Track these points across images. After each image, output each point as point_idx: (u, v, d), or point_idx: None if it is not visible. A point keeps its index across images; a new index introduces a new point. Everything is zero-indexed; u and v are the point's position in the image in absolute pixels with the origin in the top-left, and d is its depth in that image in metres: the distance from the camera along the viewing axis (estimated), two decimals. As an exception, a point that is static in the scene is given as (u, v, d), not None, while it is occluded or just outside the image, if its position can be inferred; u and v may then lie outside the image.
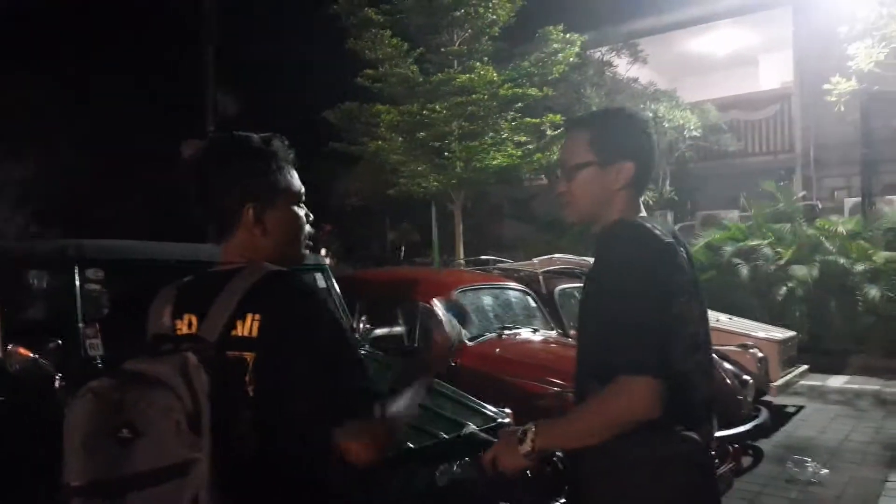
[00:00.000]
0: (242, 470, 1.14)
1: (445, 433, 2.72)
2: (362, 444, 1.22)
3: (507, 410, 3.20)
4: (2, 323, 2.82)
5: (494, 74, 9.56)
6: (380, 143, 10.28)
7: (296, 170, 1.41)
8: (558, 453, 1.58)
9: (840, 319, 9.49)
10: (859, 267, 9.35)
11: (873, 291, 9.12)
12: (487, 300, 5.06)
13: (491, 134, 10.00)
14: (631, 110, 1.70)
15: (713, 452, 1.56)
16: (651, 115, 11.65)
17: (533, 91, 9.89)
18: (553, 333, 5.11)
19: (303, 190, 1.41)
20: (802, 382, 7.59)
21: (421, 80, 10.06)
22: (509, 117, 10.15)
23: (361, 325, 3.91)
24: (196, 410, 1.11)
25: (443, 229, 13.01)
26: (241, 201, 1.32)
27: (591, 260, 1.67)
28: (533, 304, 5.31)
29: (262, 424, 1.18)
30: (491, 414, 3.11)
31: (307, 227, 1.43)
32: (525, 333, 4.82)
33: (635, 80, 13.24)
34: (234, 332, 1.22)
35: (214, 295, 1.25)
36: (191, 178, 1.34)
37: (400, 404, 1.32)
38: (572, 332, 5.58)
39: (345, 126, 10.98)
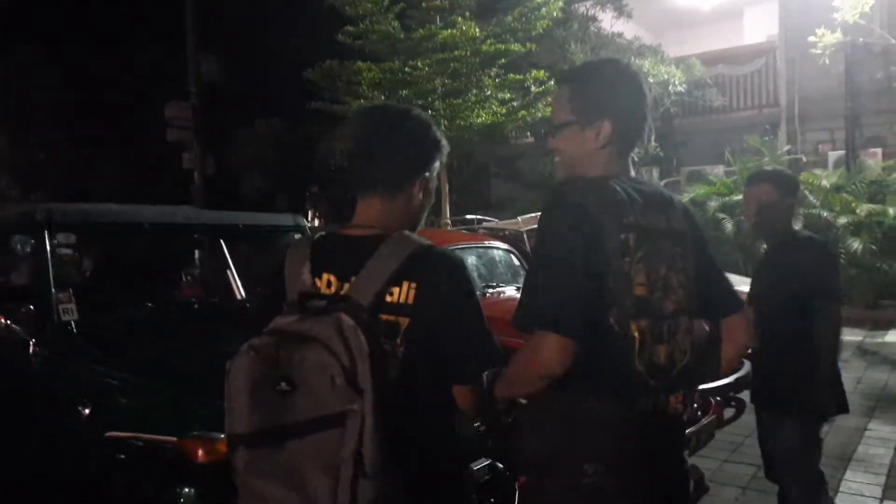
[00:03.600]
0: (390, 424, 1.21)
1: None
2: (472, 398, 1.37)
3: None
4: (-28, 289, 2.75)
5: (477, 30, 9.36)
6: (362, 101, 10.10)
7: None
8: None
9: (822, 272, 9.57)
10: (843, 220, 9.41)
11: (856, 244, 9.20)
12: (472, 259, 5.03)
13: (475, 91, 9.86)
14: (615, 64, 1.58)
15: (676, 417, 1.46)
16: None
17: (516, 47, 9.71)
18: (537, 291, 5.09)
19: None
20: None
21: (402, 36, 9.85)
22: (493, 74, 10.00)
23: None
24: (352, 367, 1.18)
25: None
26: (413, 173, 1.42)
27: None
28: (517, 262, 5.30)
29: (406, 384, 1.28)
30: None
31: None
32: (510, 292, 4.81)
33: (620, 35, 13.03)
34: (388, 298, 1.31)
35: (360, 258, 1.33)
36: (354, 141, 1.42)
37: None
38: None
39: (326, 85, 10.78)
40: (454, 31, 9.26)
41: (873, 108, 11.46)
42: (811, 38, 9.63)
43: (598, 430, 1.38)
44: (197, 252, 4.57)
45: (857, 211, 9.40)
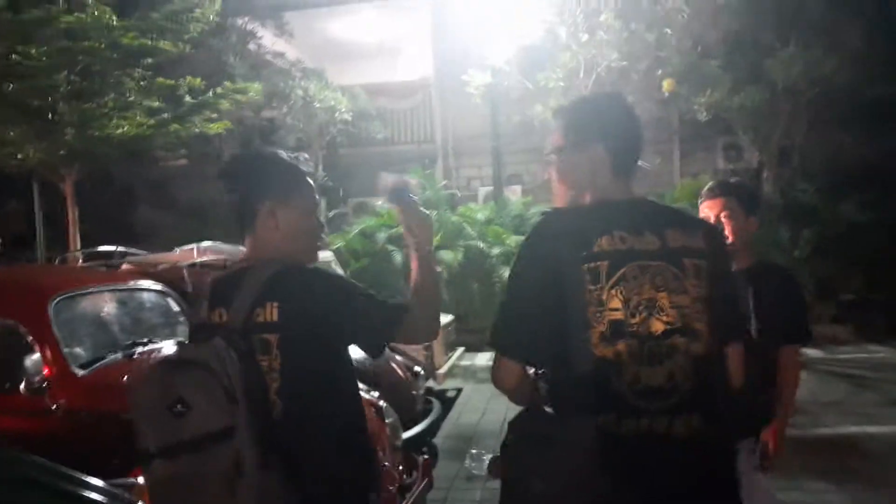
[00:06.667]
0: (275, 430, 1.46)
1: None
2: (416, 332, 1.70)
3: (134, 480, 2.18)
4: None
5: (114, 19, 7.67)
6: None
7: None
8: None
9: (481, 300, 10.12)
10: (496, 250, 10.10)
11: (506, 272, 9.87)
12: (109, 308, 3.72)
13: (112, 95, 8.12)
14: (608, 94, 1.71)
15: (689, 440, 1.40)
16: (301, 93, 11.03)
17: (167, 45, 8.26)
18: (204, 343, 4.01)
19: (319, 203, 1.75)
20: (460, 364, 7.71)
21: (5, 16, 7.61)
22: (136, 76, 8.38)
23: None
24: (230, 384, 1.42)
25: (55, 216, 10.49)
26: (261, 198, 1.64)
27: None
28: (176, 307, 4.09)
29: (288, 391, 1.51)
30: (109, 491, 1.98)
31: (319, 233, 1.78)
32: (168, 348, 3.62)
33: (281, 55, 12.47)
34: (257, 319, 1.53)
35: (236, 289, 1.57)
36: (227, 183, 1.67)
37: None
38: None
39: None
40: (82, 15, 7.43)
41: (513, 147, 12.66)
42: (464, 78, 10.28)
43: (551, 447, 1.40)
44: None
45: (507, 242, 10.17)
